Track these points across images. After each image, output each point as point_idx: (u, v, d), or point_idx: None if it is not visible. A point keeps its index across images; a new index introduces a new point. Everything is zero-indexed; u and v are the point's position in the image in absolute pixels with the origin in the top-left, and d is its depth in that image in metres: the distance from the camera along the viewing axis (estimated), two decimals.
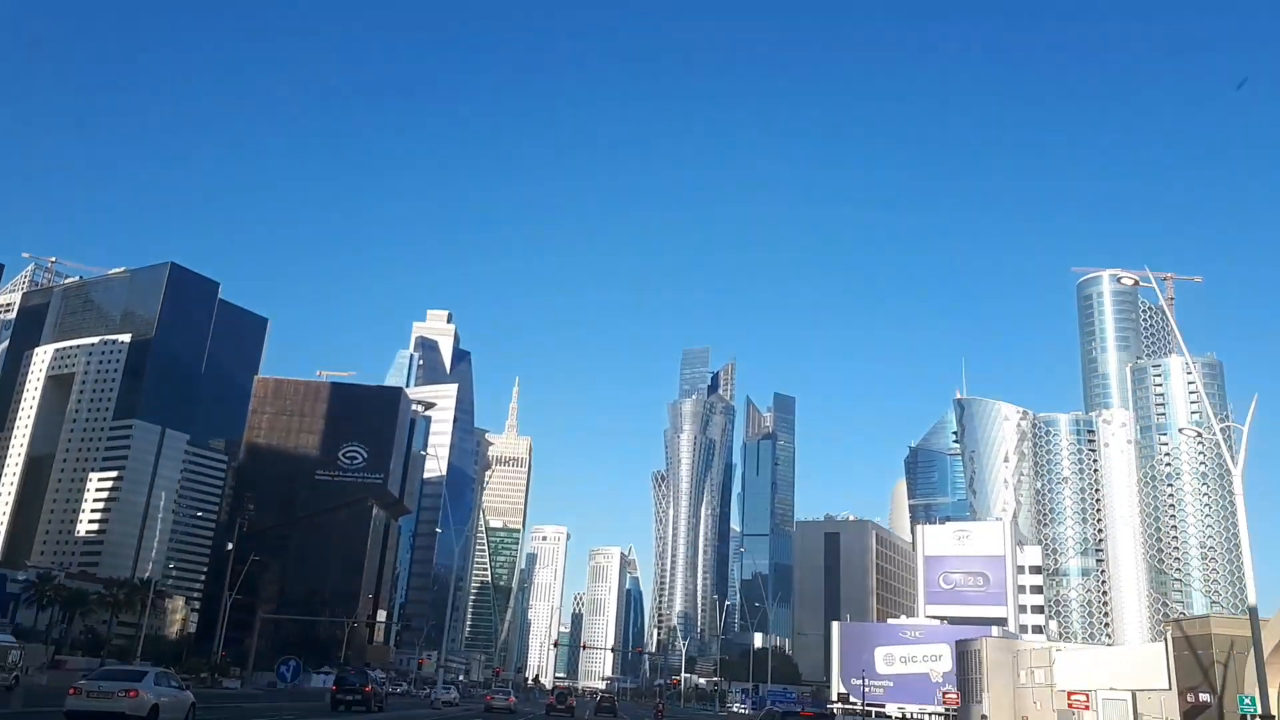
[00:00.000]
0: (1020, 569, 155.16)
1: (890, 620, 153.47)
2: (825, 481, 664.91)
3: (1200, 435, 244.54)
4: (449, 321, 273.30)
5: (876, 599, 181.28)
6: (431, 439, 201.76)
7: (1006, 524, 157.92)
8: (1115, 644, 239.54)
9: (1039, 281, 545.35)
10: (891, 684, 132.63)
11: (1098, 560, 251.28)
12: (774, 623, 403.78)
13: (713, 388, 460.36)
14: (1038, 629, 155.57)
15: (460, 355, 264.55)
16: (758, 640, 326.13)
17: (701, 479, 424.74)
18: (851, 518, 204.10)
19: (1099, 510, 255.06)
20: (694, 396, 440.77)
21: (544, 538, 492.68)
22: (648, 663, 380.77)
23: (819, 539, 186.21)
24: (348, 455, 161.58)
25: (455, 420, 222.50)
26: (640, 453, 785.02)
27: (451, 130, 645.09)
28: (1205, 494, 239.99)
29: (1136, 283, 44.80)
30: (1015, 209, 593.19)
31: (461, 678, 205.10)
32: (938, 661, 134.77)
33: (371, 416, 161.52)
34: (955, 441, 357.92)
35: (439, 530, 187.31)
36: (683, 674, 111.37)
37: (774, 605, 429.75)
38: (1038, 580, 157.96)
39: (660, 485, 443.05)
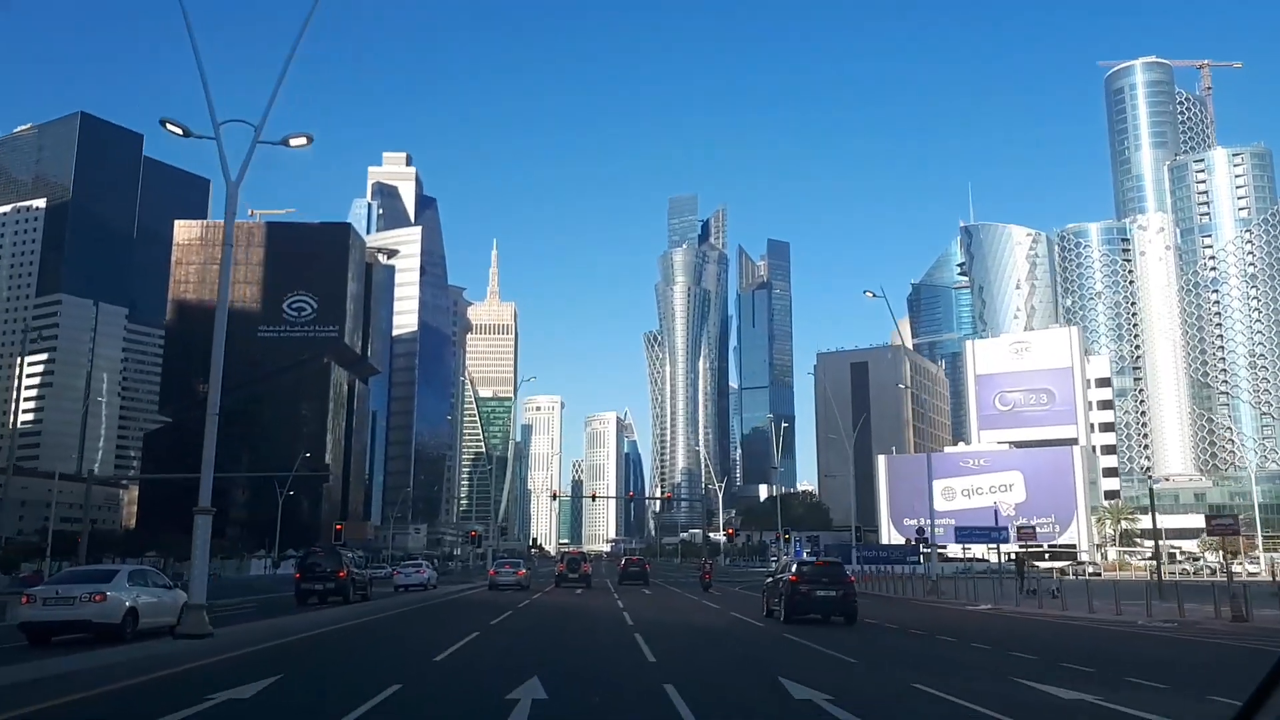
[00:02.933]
0: (1086, 382, 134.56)
1: (947, 449, 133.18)
2: (824, 328, 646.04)
3: (1250, 233, 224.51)
4: (409, 164, 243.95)
5: (913, 431, 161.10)
6: (397, 291, 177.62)
7: (1074, 330, 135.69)
8: (1154, 468, 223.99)
9: (1055, 87, 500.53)
10: (953, 521, 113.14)
11: (1135, 379, 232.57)
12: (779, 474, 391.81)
13: (703, 237, 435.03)
14: (1109, 449, 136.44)
15: (425, 202, 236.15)
16: (763, 491, 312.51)
17: (698, 332, 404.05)
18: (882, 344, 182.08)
19: (1135, 325, 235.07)
20: (684, 246, 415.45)
21: (538, 408, 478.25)
22: (653, 522, 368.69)
23: (844, 370, 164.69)
24: (294, 306, 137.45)
25: (423, 271, 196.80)
26: (629, 313, 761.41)
27: None
28: (1254, 298, 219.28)
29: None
30: (1024, 5, 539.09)
31: (457, 551, 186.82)
32: (1008, 492, 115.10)
33: (318, 260, 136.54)
34: (961, 274, 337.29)
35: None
36: (722, 529, 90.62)
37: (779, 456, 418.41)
38: (1106, 394, 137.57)
39: (653, 346, 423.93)
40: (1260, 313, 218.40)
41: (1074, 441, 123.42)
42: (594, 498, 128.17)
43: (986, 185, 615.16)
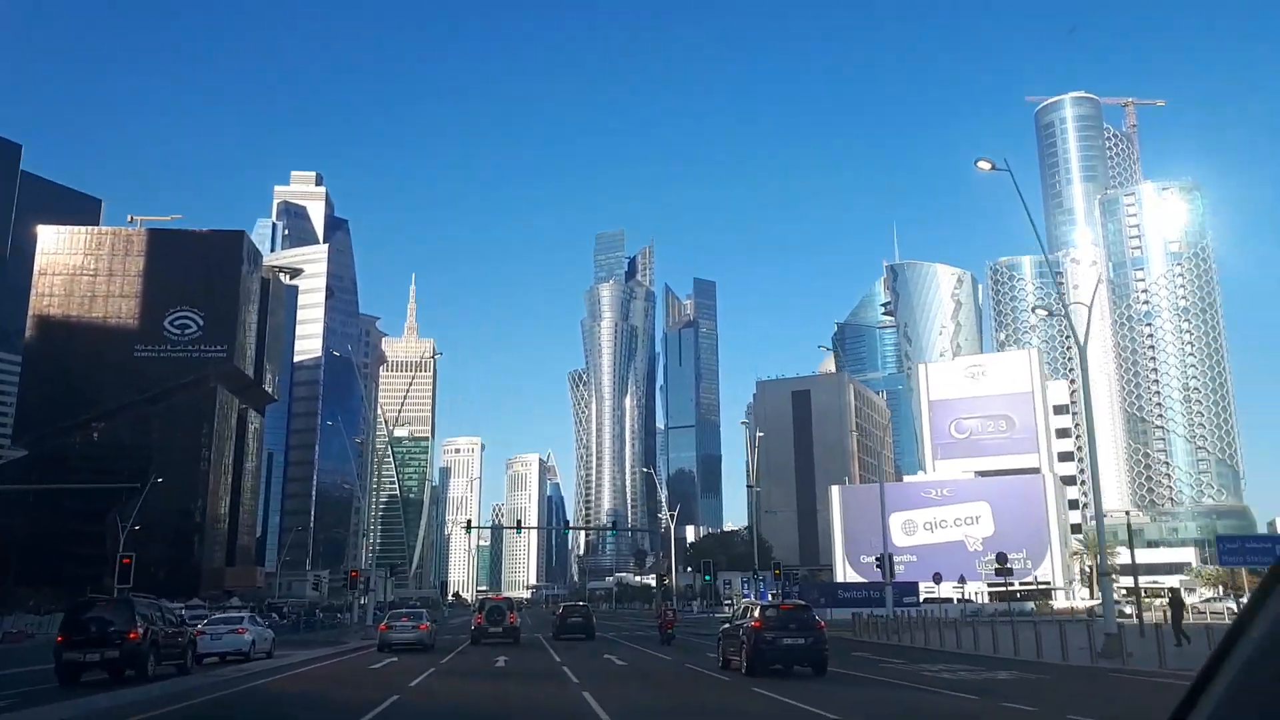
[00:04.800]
0: (1047, 409, 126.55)
1: (907, 479, 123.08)
2: (750, 367, 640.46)
3: (1180, 267, 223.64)
4: (319, 184, 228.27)
5: (859, 464, 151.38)
6: (300, 315, 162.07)
7: (1033, 353, 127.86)
8: (1089, 504, 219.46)
9: (981, 124, 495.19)
10: (914, 558, 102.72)
11: (1071, 414, 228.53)
12: (704, 514, 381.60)
13: (629, 274, 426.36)
14: (1069, 480, 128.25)
15: (336, 223, 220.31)
16: (690, 533, 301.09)
17: (625, 369, 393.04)
18: (825, 371, 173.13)
19: (1070, 359, 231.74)
20: (611, 282, 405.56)
21: (456, 450, 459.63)
22: (576, 566, 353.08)
23: (785, 399, 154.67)
24: (176, 323, 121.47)
25: (330, 294, 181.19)
26: (553, 353, 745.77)
27: None
28: (1187, 331, 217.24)
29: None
30: (951, 44, 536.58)
31: (363, 600, 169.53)
32: (975, 525, 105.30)
33: (205, 272, 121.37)
34: (886, 314, 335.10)
35: (330, 423, 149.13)
36: (673, 568, 77.09)
37: (701, 497, 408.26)
38: (1065, 421, 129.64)
39: (578, 386, 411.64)
40: (1193, 346, 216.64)
41: (1036, 471, 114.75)
42: (519, 526, 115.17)
43: (913, 223, 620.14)
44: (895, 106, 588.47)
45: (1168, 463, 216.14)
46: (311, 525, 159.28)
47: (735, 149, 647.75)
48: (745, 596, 79.13)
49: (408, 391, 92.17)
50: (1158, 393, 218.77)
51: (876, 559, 51.23)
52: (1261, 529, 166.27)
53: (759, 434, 78.82)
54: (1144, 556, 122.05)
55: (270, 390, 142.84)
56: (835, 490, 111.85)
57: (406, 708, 16.75)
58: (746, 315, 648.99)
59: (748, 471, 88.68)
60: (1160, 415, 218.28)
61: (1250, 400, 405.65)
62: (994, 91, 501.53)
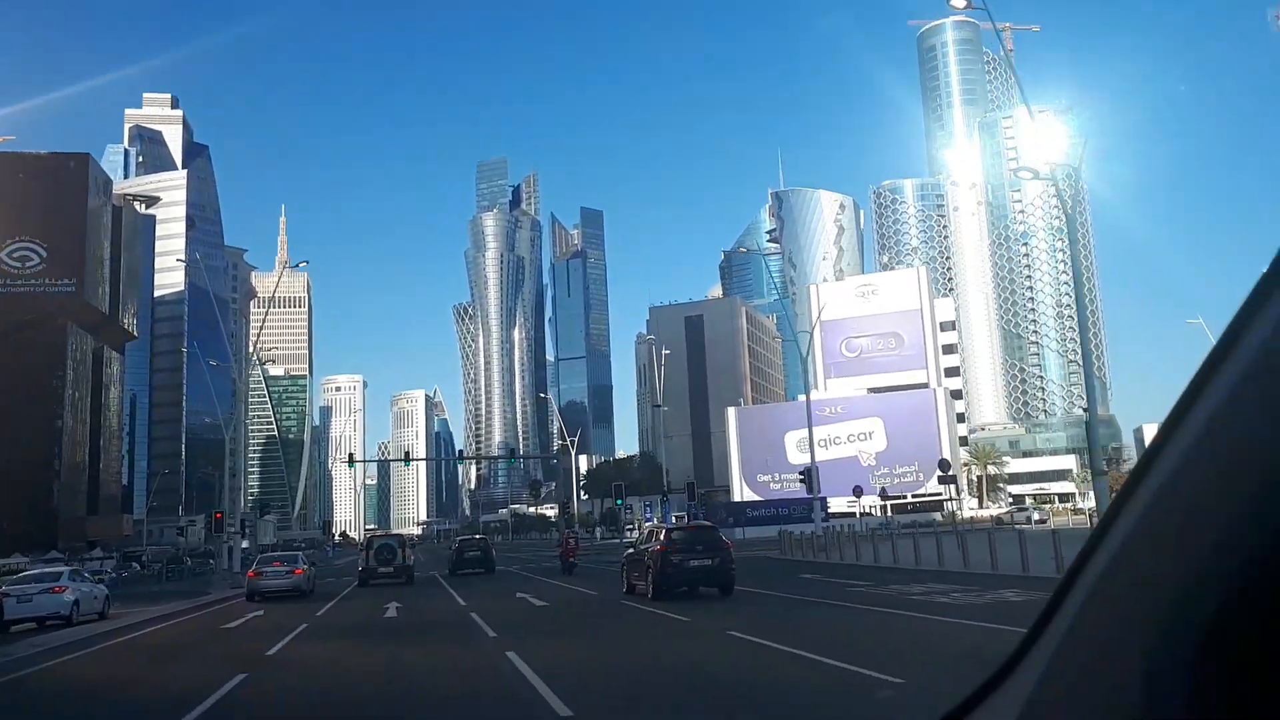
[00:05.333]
0: (935, 326, 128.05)
1: (801, 397, 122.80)
2: (640, 298, 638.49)
3: (1045, 180, 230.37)
4: (175, 107, 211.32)
5: (751, 386, 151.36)
6: (160, 246, 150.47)
7: (922, 270, 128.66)
8: (970, 418, 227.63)
9: (863, 51, 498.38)
10: None
11: (957, 329, 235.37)
12: (596, 444, 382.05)
13: (514, 203, 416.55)
14: (956, 394, 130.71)
15: (195, 149, 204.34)
16: (584, 463, 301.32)
17: (512, 301, 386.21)
18: (714, 295, 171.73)
19: (950, 279, 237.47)
20: (495, 211, 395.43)
21: (338, 388, 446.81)
22: (468, 500, 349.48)
23: (678, 325, 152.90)
24: (16, 255, 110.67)
25: (192, 224, 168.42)
26: (435, 286, 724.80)
27: None
28: (1060, 250, 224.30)
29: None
30: None
31: (244, 544, 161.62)
32: (869, 440, 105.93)
33: (47, 199, 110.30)
34: (771, 241, 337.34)
35: (184, 350, 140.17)
36: (574, 498, 74.41)
37: (594, 427, 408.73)
38: (951, 337, 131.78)
39: (464, 319, 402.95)
40: (1065, 265, 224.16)
41: (925, 386, 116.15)
42: (406, 458, 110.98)
43: (797, 149, 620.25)
44: (779, 32, 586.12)
45: (1042, 376, 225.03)
46: (183, 469, 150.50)
47: (618, 76, 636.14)
48: (648, 521, 77.49)
49: (264, 319, 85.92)
50: (1033, 309, 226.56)
51: (800, 473, 49.44)
52: (1127, 437, 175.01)
53: (664, 351, 76.10)
54: (1023, 465, 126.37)
55: (129, 327, 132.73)
56: (731, 412, 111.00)
57: (249, 697, 11.68)
58: (635, 245, 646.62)
59: (639, 398, 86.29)
60: (1035, 331, 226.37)
61: (1115, 315, 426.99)
62: (877, 16, 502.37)
